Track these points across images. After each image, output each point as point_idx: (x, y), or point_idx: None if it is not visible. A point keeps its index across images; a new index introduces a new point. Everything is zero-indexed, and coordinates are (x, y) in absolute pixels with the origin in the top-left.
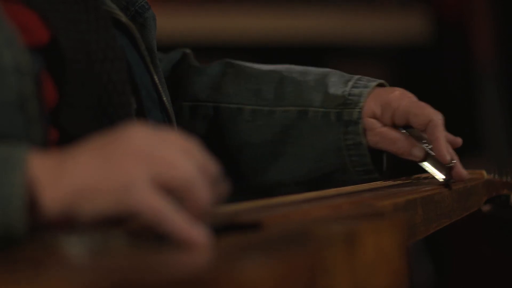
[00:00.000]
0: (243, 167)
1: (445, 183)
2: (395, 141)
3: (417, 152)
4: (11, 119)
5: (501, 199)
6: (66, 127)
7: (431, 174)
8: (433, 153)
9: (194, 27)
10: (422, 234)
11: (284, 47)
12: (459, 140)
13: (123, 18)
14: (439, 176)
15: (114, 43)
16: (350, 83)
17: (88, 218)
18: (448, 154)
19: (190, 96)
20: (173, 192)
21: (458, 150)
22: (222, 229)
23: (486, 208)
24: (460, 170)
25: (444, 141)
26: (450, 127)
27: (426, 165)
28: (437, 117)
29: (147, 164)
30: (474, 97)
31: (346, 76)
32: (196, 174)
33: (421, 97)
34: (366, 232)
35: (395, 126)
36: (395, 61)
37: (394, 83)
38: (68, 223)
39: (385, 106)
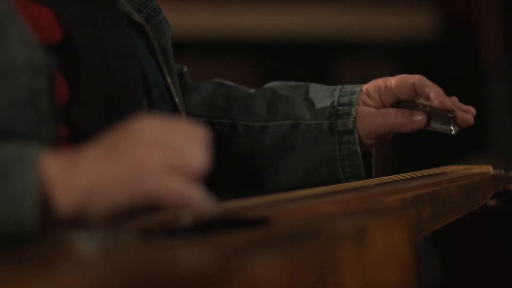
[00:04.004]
0: (232, 181)
1: (457, 134)
2: (395, 115)
3: (419, 117)
4: (23, 116)
5: (507, 194)
6: (77, 124)
7: (442, 132)
8: (432, 112)
9: (198, 23)
10: (429, 229)
11: (291, 44)
12: (454, 99)
13: (138, 18)
14: (450, 129)
15: (128, 41)
16: (336, 93)
17: (103, 214)
18: (448, 100)
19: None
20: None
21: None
22: (230, 225)
23: (492, 203)
24: (464, 115)
25: (438, 88)
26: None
27: (433, 126)
28: (419, 76)
29: (159, 152)
30: (482, 94)
31: (329, 87)
32: (204, 167)
33: None
34: (374, 229)
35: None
36: (402, 58)
37: None
38: (81, 220)
39: (372, 92)
